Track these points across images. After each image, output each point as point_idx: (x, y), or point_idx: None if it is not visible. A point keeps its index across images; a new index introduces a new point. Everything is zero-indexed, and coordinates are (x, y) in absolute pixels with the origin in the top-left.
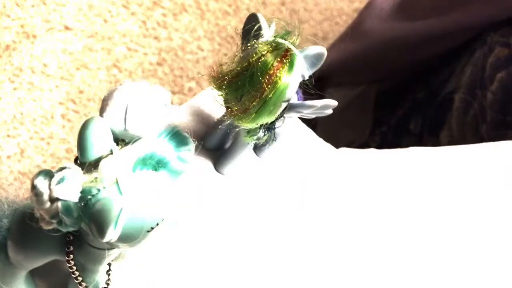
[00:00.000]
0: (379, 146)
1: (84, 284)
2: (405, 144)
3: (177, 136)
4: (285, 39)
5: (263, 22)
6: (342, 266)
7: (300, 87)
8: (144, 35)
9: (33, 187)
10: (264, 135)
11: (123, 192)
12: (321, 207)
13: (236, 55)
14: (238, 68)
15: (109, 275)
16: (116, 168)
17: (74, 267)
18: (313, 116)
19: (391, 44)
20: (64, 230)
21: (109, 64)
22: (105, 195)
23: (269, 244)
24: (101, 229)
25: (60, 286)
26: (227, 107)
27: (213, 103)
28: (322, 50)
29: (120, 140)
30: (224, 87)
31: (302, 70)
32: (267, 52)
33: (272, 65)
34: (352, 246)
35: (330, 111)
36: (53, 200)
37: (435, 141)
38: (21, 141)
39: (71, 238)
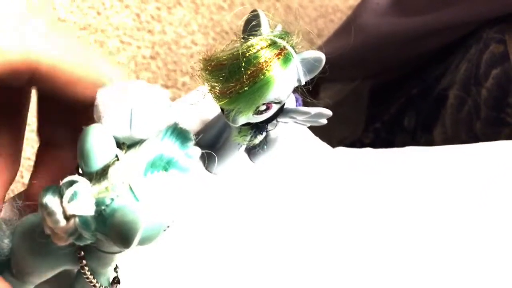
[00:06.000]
0: (373, 143)
1: (100, 285)
2: (398, 141)
3: (180, 134)
4: (283, 39)
5: (263, 19)
6: (338, 266)
7: (298, 92)
8: (137, 28)
9: (44, 206)
10: (255, 137)
11: (139, 198)
12: (317, 206)
13: (229, 45)
14: (229, 55)
15: (116, 272)
16: (127, 174)
17: (88, 273)
18: (308, 124)
19: (386, 40)
20: (81, 244)
21: None
22: (121, 203)
23: (263, 244)
24: (127, 240)
25: None
26: (210, 89)
27: (208, 100)
28: (320, 55)
29: (121, 144)
30: (210, 69)
31: (298, 74)
32: (261, 48)
33: (264, 60)
34: (350, 246)
35: (325, 121)
36: (69, 217)
37: (429, 138)
38: None
39: (81, 246)
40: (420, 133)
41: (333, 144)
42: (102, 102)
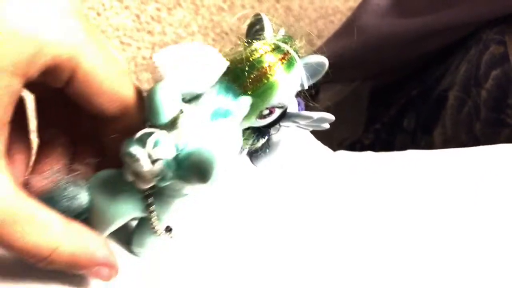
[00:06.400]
0: (372, 144)
1: (161, 231)
2: (398, 142)
3: (230, 88)
4: (286, 43)
5: (266, 23)
6: (340, 270)
7: (300, 96)
8: (137, 29)
9: (129, 154)
10: (258, 141)
11: (209, 140)
12: (319, 210)
13: (233, 49)
14: (232, 59)
15: (171, 223)
16: (195, 122)
17: (154, 217)
18: (310, 128)
19: (386, 41)
20: (163, 184)
21: None
22: (194, 146)
23: (264, 248)
24: (206, 175)
25: (124, 242)
26: None
27: None
28: (323, 59)
29: (182, 99)
30: None
31: (301, 78)
32: (265, 52)
33: (268, 64)
34: (351, 250)
35: (327, 126)
36: (154, 161)
37: (428, 139)
38: None
39: (150, 193)
40: (420, 134)
41: (333, 145)
42: (162, 62)
